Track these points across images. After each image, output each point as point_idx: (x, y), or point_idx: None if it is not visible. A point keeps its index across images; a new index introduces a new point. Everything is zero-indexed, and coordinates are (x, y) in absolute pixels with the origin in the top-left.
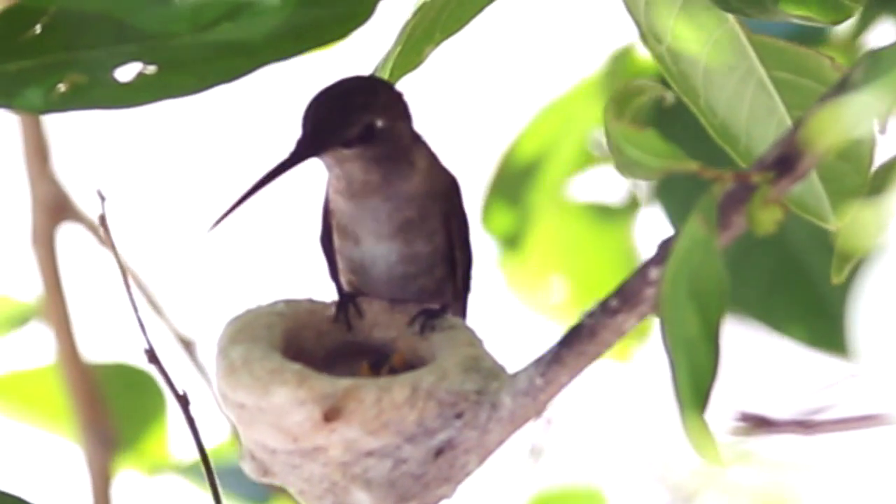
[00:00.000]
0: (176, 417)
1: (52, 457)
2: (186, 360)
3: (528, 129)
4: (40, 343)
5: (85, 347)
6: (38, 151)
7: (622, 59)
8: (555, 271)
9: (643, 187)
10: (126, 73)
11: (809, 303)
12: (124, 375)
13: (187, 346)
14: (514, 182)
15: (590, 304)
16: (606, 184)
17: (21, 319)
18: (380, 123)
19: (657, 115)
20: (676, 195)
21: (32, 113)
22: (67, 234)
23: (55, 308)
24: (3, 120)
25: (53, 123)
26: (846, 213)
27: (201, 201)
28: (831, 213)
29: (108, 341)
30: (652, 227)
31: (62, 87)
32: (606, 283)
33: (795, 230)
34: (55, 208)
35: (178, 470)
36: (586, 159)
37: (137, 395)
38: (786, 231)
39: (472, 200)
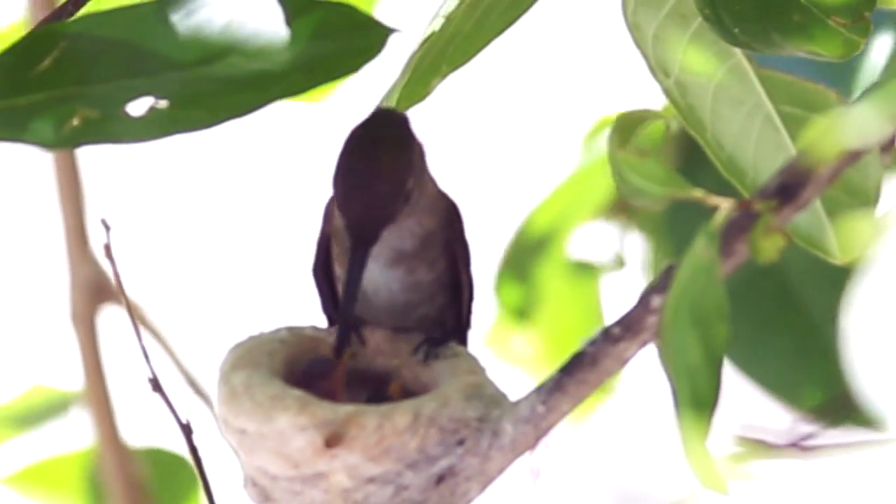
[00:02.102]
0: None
1: None
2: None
3: (543, 204)
4: (80, 428)
5: (125, 432)
6: (77, 231)
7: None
8: (527, 324)
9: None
10: (138, 107)
11: (798, 350)
12: (160, 460)
13: (206, 399)
14: (525, 254)
15: (558, 358)
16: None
17: (59, 407)
18: (411, 183)
19: (668, 143)
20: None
21: (43, 147)
22: (108, 316)
23: (95, 393)
24: (43, 201)
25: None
26: (852, 249)
27: (214, 235)
28: (836, 248)
29: (145, 424)
30: (626, 285)
31: (74, 122)
32: (571, 339)
33: (793, 263)
34: (95, 289)
35: None
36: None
37: (173, 481)
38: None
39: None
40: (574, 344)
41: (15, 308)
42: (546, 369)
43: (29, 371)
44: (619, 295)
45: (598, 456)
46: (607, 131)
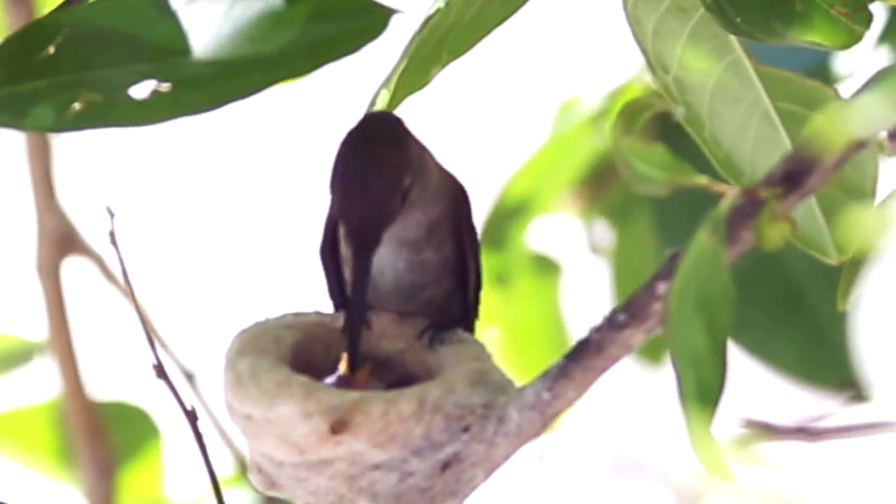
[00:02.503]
0: (172, 458)
1: (50, 498)
2: (189, 392)
3: (517, 175)
4: (44, 378)
5: (89, 382)
6: (44, 182)
7: (618, 99)
8: (491, 321)
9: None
10: (140, 91)
11: (810, 338)
12: (122, 413)
13: (190, 378)
14: (499, 228)
15: (516, 355)
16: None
17: (25, 356)
18: (408, 181)
19: (664, 131)
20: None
21: (45, 132)
22: (73, 267)
23: (60, 343)
24: (10, 150)
25: (60, 154)
26: (848, 247)
27: (210, 218)
28: (832, 247)
29: (109, 375)
30: (592, 278)
31: (76, 107)
32: (530, 333)
33: (792, 261)
34: (62, 240)
35: None
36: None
37: (134, 433)
38: (781, 262)
39: None
40: (529, 342)
41: None
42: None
43: None
44: (581, 290)
45: (597, 425)
46: (578, 107)
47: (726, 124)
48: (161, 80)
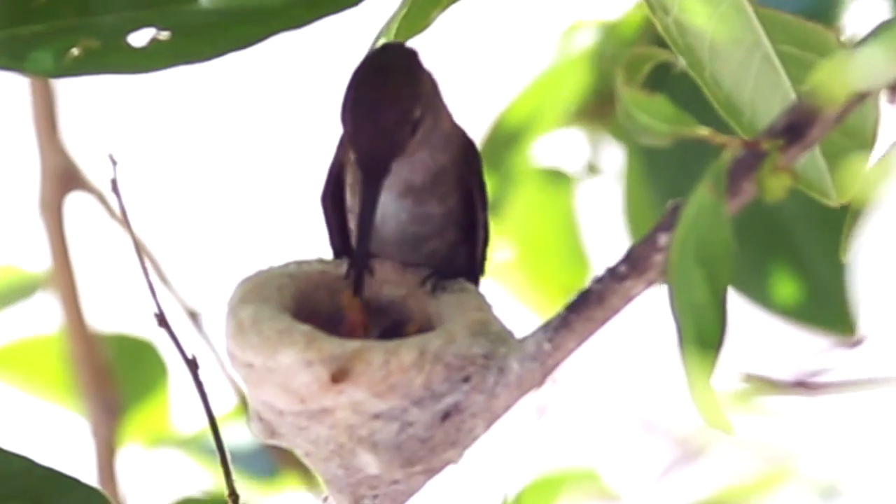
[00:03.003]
0: (177, 390)
1: (57, 427)
2: (192, 332)
3: (517, 99)
4: (47, 312)
5: (91, 317)
6: (47, 120)
7: (613, 31)
8: (506, 234)
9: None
10: (139, 38)
11: (801, 278)
12: (128, 346)
13: (193, 317)
14: (497, 150)
15: (528, 263)
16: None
17: (28, 289)
18: (418, 113)
19: (663, 83)
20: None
21: (44, 76)
22: (76, 204)
23: (62, 277)
24: (13, 89)
25: (63, 92)
26: (848, 190)
27: (210, 168)
28: (833, 190)
29: (113, 311)
30: (603, 196)
31: (75, 52)
32: (546, 246)
33: (784, 203)
34: (64, 177)
35: (179, 443)
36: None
37: (140, 367)
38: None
39: None
40: (549, 252)
41: None
42: (518, 278)
43: None
44: (594, 204)
45: (612, 385)
46: (581, 33)
47: (726, 66)
48: (160, 27)
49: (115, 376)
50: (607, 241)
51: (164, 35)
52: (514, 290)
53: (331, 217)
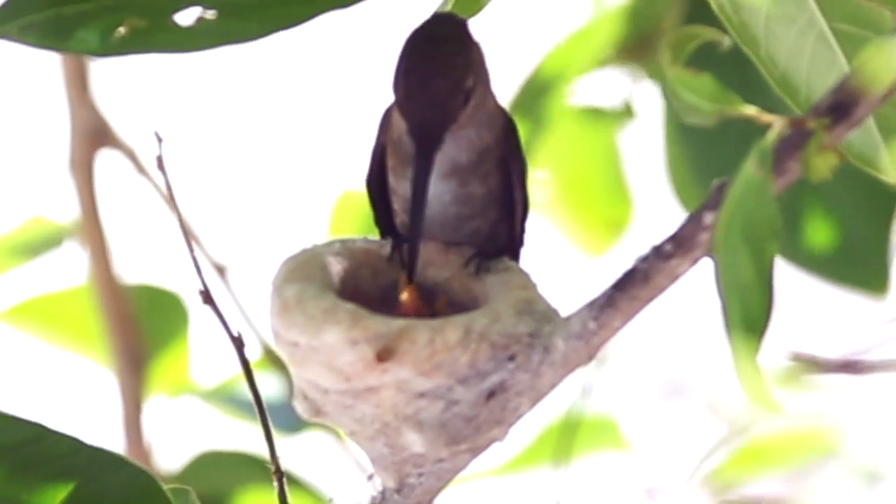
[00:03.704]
0: (199, 340)
1: (83, 379)
2: (220, 286)
3: (553, 50)
4: (75, 265)
5: (119, 270)
6: (78, 78)
7: None
8: (545, 167)
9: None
10: (185, 17)
11: (834, 234)
12: (152, 297)
13: (221, 272)
14: (533, 98)
15: (571, 198)
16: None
17: (56, 240)
18: (470, 82)
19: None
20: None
21: (90, 55)
22: (106, 161)
23: (91, 233)
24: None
25: None
26: None
27: (239, 128)
28: (889, 165)
29: (140, 264)
30: (641, 134)
31: (121, 31)
32: (589, 181)
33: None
34: (94, 134)
35: (201, 394)
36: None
37: (163, 317)
38: None
39: None
40: (592, 187)
41: (16, 153)
42: (561, 212)
43: (26, 209)
44: (637, 143)
45: (647, 349)
46: None
47: (782, 43)
48: (207, 6)
49: (140, 328)
50: (650, 178)
51: (211, 14)
52: (558, 227)
53: (375, 198)
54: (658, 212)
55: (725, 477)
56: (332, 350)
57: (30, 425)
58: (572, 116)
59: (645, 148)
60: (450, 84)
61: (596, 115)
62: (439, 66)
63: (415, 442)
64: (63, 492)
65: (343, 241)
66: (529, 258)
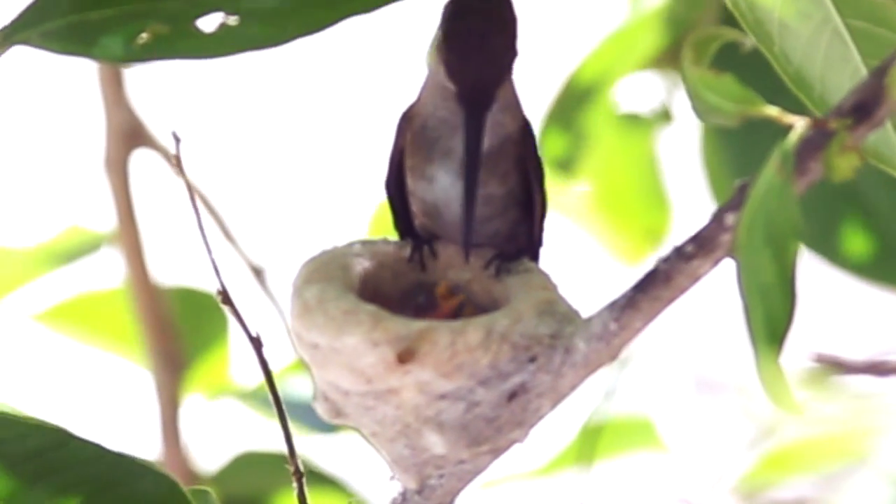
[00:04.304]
0: (238, 342)
1: (122, 380)
2: (257, 288)
3: (590, 57)
4: (112, 268)
5: (156, 272)
6: (113, 78)
7: None
8: (583, 175)
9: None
10: (208, 23)
11: (872, 237)
12: (190, 299)
13: (258, 273)
14: (571, 107)
15: (609, 206)
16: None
17: (92, 247)
18: (518, 45)
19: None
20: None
21: (113, 62)
22: (141, 161)
23: (127, 234)
24: None
25: None
26: None
27: (275, 129)
28: None
29: (177, 266)
30: (679, 139)
31: (144, 37)
32: (627, 189)
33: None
34: (129, 135)
35: (239, 395)
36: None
37: (202, 319)
38: None
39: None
40: (630, 195)
41: (52, 153)
42: (598, 220)
43: (64, 213)
44: (674, 148)
45: (677, 344)
46: None
47: (796, 41)
48: (229, 12)
49: (178, 330)
50: (687, 184)
51: (233, 20)
52: (596, 234)
53: (395, 201)
54: (696, 218)
55: (754, 481)
56: (354, 352)
57: (52, 431)
58: (609, 123)
59: (683, 153)
60: (506, 41)
61: (633, 121)
62: (495, 24)
63: (436, 443)
64: (85, 498)
65: (363, 243)
66: (566, 267)
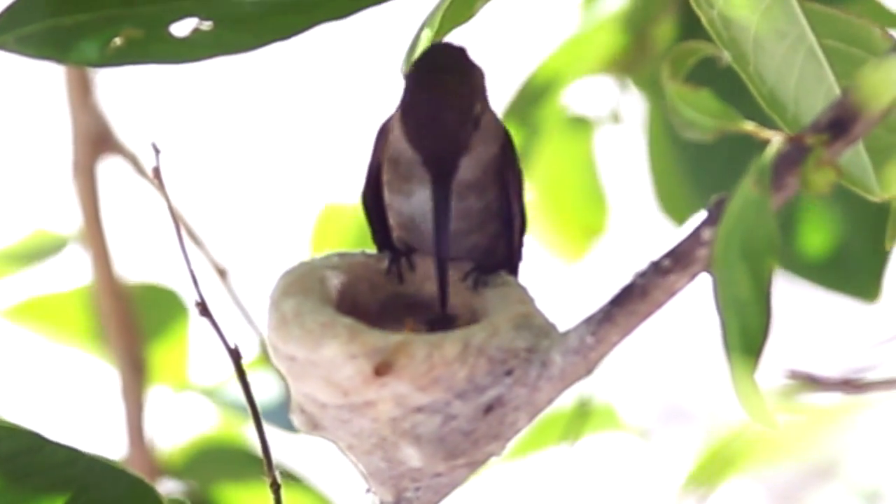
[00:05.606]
0: (197, 338)
1: (86, 376)
2: (221, 289)
3: (546, 60)
4: (77, 269)
5: (121, 273)
6: (80, 83)
7: None
8: (531, 179)
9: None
10: (182, 28)
11: (827, 241)
12: (152, 295)
13: (222, 274)
14: (524, 108)
15: (549, 205)
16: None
17: (57, 248)
18: (478, 109)
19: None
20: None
21: (87, 66)
22: (108, 165)
23: (93, 238)
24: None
25: None
26: (892, 186)
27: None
28: (876, 185)
29: (142, 267)
30: (620, 141)
31: (118, 42)
32: (566, 188)
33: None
34: (97, 140)
35: (201, 391)
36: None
37: (162, 314)
38: None
39: None
40: (569, 194)
41: (18, 157)
42: (540, 221)
43: (28, 214)
44: (615, 151)
45: (645, 372)
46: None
47: (771, 60)
48: (203, 17)
49: (140, 328)
50: (629, 185)
51: (207, 25)
52: (536, 233)
53: (372, 213)
54: (637, 219)
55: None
56: (331, 364)
57: (27, 435)
58: (556, 125)
59: (626, 156)
60: (459, 115)
61: (578, 123)
62: (447, 98)
63: (412, 456)
64: (60, 501)
65: (341, 255)
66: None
